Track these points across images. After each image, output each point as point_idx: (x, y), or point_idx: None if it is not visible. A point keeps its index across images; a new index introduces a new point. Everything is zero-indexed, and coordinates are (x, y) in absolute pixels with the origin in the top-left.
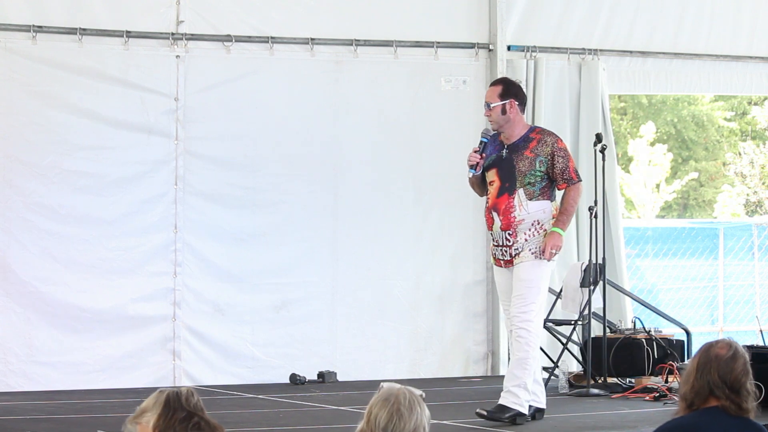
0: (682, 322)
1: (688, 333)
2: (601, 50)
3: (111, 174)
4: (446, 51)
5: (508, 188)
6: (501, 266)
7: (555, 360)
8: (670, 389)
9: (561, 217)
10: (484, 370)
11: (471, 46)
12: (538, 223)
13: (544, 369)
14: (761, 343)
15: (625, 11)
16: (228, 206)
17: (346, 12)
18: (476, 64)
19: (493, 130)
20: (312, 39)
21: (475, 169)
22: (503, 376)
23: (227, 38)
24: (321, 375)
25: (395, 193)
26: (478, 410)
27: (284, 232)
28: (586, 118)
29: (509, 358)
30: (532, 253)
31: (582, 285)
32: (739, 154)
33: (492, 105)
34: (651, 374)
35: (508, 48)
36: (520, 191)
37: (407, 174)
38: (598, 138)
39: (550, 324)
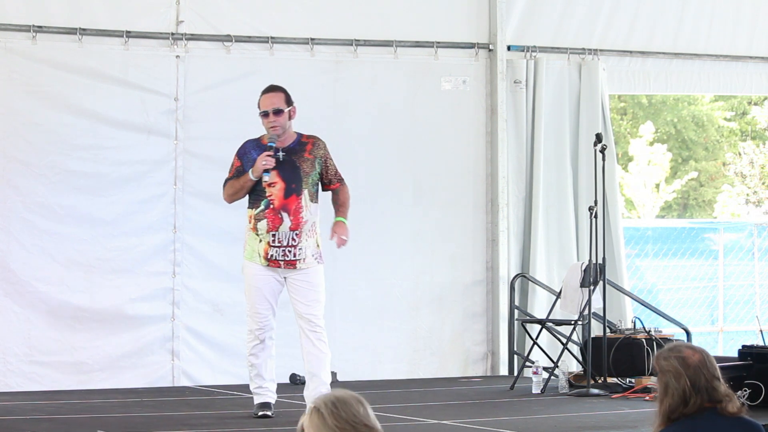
0: (682, 322)
1: (688, 333)
2: (601, 50)
3: (110, 174)
4: (446, 51)
5: (295, 189)
6: (279, 267)
7: (555, 360)
8: None
9: (343, 209)
10: (484, 370)
11: (471, 46)
12: (315, 226)
13: (545, 369)
14: (761, 343)
15: (625, 11)
16: (227, 206)
17: (346, 12)
18: (476, 64)
19: (276, 135)
20: (312, 39)
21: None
22: (503, 376)
23: (227, 38)
24: None
25: (395, 192)
26: None
27: None
28: (586, 118)
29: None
30: (315, 258)
31: (582, 285)
32: (739, 154)
33: (284, 110)
34: (651, 374)
35: (508, 48)
36: (306, 192)
37: (407, 174)
38: (598, 138)
39: (550, 324)
